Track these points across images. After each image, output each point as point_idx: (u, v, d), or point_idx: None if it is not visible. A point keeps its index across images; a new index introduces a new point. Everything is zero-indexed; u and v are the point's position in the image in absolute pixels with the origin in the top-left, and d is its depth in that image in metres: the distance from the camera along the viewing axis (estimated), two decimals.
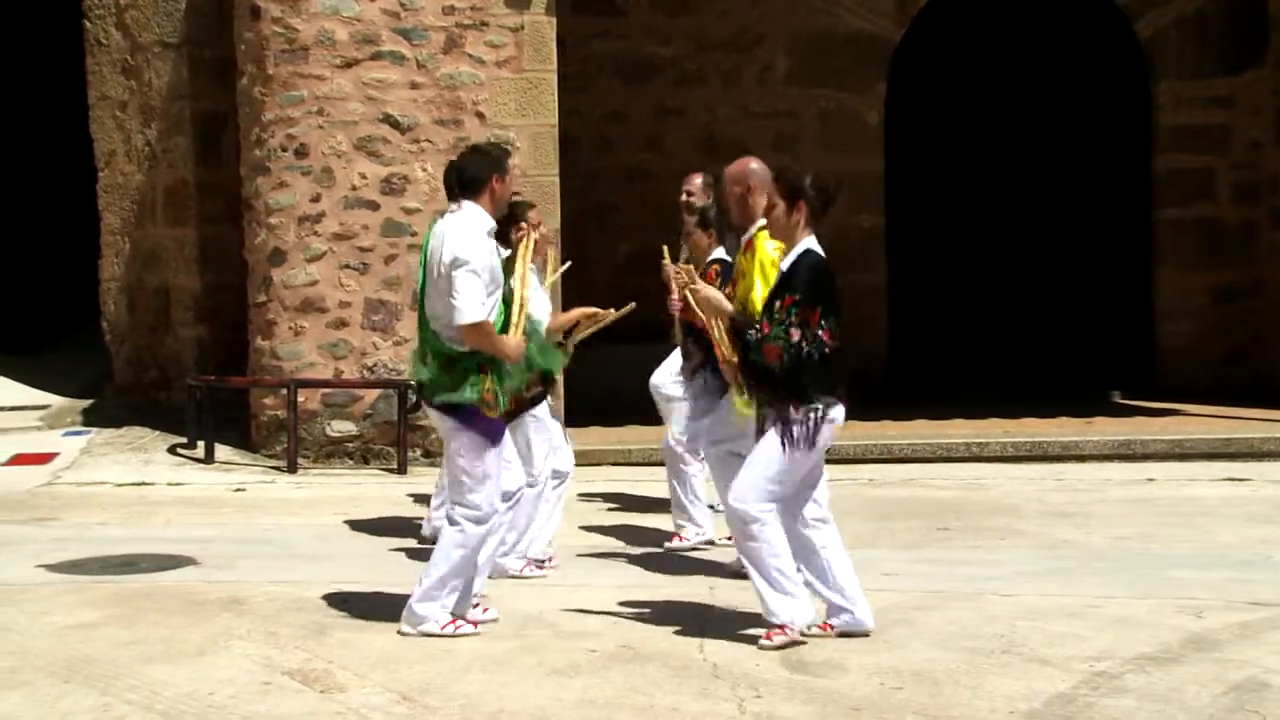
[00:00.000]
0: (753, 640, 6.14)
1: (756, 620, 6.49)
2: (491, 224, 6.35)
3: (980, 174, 14.94)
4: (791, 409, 5.99)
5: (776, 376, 5.96)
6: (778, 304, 6.03)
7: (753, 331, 6.04)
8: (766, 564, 6.05)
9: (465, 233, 6.21)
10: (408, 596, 6.89)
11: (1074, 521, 8.91)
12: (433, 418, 6.43)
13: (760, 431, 6.20)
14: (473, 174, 6.33)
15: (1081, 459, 11.15)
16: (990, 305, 14.89)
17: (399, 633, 6.28)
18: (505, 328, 6.31)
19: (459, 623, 6.32)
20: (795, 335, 5.93)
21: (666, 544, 8.24)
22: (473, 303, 6.11)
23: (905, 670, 5.76)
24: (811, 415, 5.99)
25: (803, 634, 6.09)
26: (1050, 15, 14.69)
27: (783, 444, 6.00)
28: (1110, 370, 14.31)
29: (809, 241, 6.10)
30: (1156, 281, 14.43)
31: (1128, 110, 14.57)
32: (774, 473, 6.04)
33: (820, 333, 5.95)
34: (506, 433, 6.49)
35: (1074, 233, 14.95)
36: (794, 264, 6.09)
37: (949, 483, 10.40)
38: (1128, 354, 14.48)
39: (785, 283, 6.09)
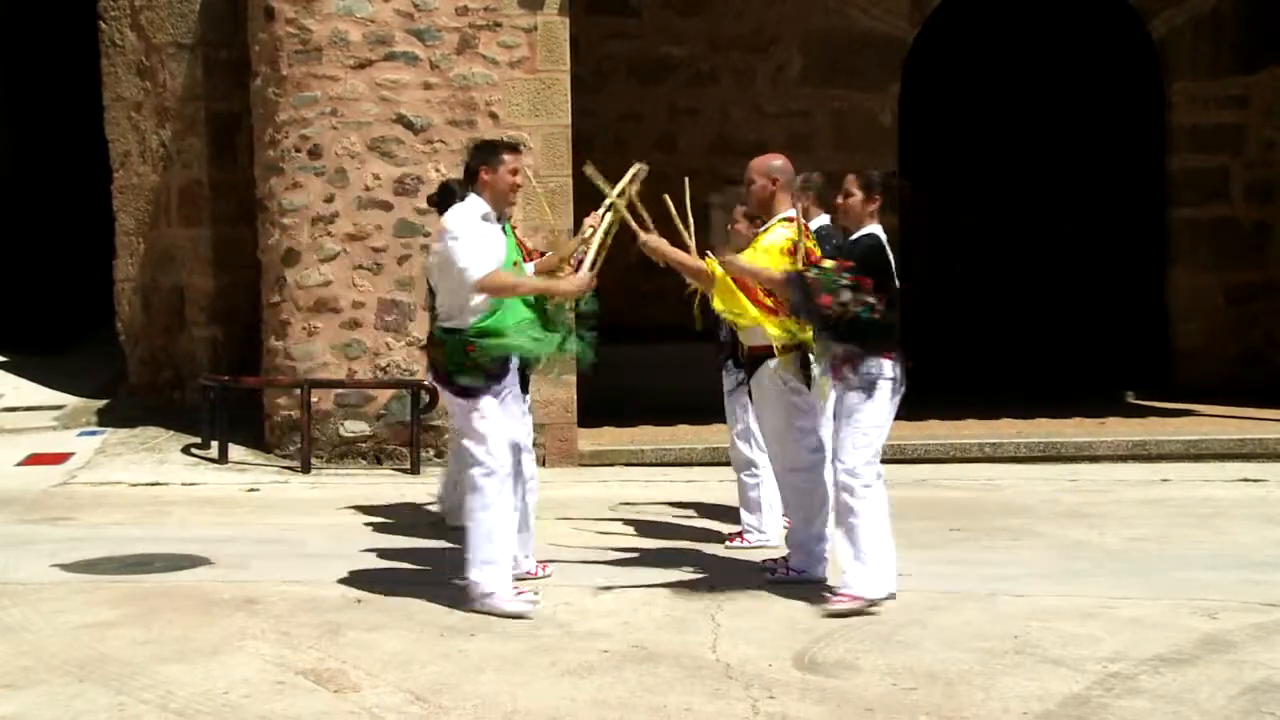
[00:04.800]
0: (765, 640, 6.15)
1: (769, 620, 6.50)
2: (485, 209, 6.71)
3: (994, 174, 14.93)
4: (848, 367, 6.66)
5: (830, 325, 6.61)
6: (829, 263, 6.72)
7: (804, 285, 6.64)
8: (856, 531, 6.63)
9: (453, 219, 6.68)
10: (421, 596, 6.93)
11: (1088, 522, 8.90)
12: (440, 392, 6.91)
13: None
14: (467, 166, 6.87)
15: (1096, 460, 11.13)
16: (1003, 305, 14.87)
17: (469, 609, 6.53)
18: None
19: (522, 590, 6.66)
20: (845, 295, 6.56)
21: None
22: (474, 264, 6.51)
23: (918, 670, 5.76)
24: (880, 376, 6.66)
25: (871, 605, 6.56)
26: (1064, 15, 14.67)
27: (852, 398, 6.68)
28: (1124, 370, 14.28)
29: (874, 227, 6.84)
30: (1170, 281, 14.40)
31: (1142, 110, 14.55)
32: (863, 436, 6.66)
33: (870, 299, 6.58)
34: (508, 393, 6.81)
35: (1088, 233, 14.93)
36: (855, 240, 6.82)
37: (963, 483, 10.39)
38: (1142, 354, 14.45)
39: (841, 252, 6.83)
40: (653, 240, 6.93)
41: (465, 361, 6.59)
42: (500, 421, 6.70)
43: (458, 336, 6.61)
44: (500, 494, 6.65)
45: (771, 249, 6.94)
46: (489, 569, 6.59)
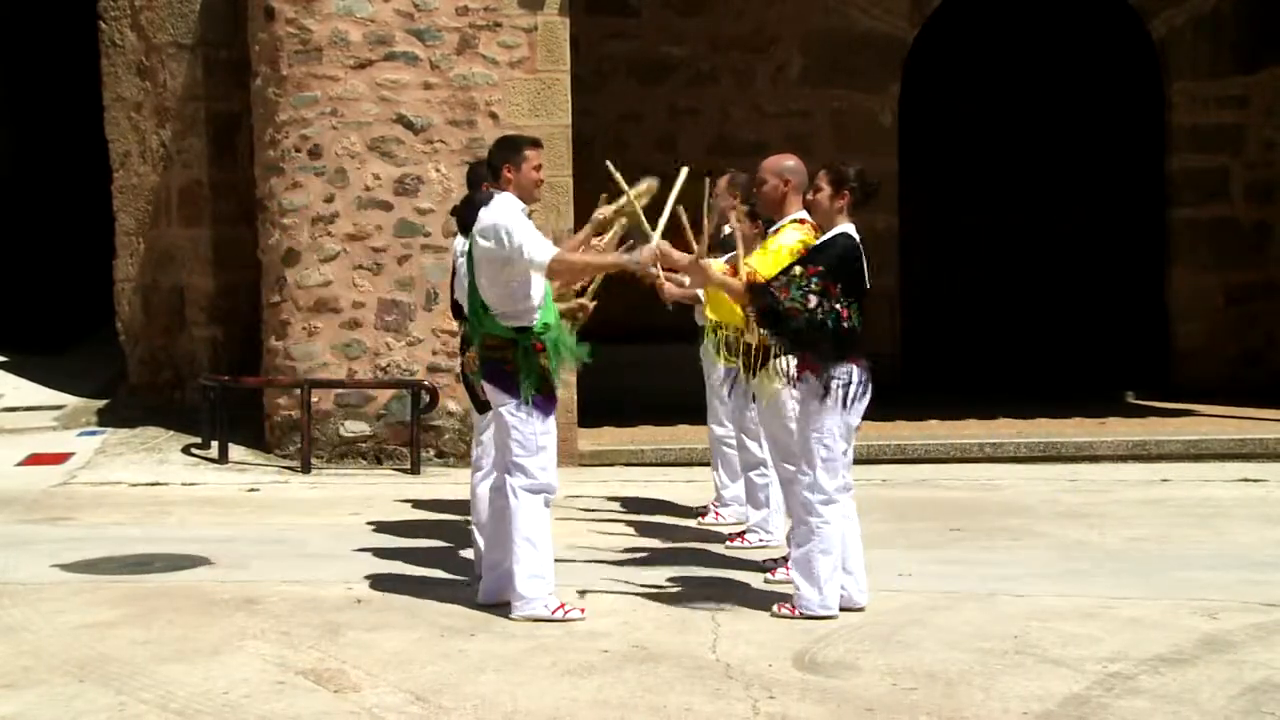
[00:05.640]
0: (765, 641, 6.16)
1: (769, 621, 6.50)
2: (522, 204, 6.66)
3: (993, 174, 14.93)
4: (810, 373, 6.45)
5: (795, 337, 6.39)
6: (798, 270, 6.43)
7: (775, 302, 6.39)
8: (813, 552, 6.48)
9: (498, 209, 6.58)
10: (421, 596, 6.93)
11: (1088, 522, 8.90)
12: (489, 392, 6.68)
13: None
14: (490, 165, 6.79)
15: (1096, 460, 11.12)
16: (1003, 305, 14.87)
17: (510, 618, 6.48)
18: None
19: (567, 606, 6.56)
20: (812, 301, 6.36)
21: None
22: (539, 247, 6.45)
23: (919, 670, 5.76)
24: (839, 385, 6.43)
25: (812, 617, 6.48)
26: (1064, 15, 14.67)
27: (812, 405, 6.47)
28: (1124, 371, 14.28)
29: (846, 226, 6.56)
30: (1170, 281, 14.40)
31: (1141, 110, 14.54)
32: (825, 449, 6.47)
33: (838, 306, 6.37)
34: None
35: (1088, 233, 14.93)
36: (826, 241, 6.55)
37: (963, 483, 10.39)
38: (1142, 354, 14.45)
39: (813, 255, 6.53)
40: (702, 265, 6.77)
41: (537, 365, 6.53)
42: (555, 437, 6.68)
43: (528, 335, 6.54)
44: (547, 508, 6.63)
45: (781, 251, 6.84)
46: (538, 582, 6.53)
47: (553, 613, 6.50)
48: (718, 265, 7.07)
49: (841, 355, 6.45)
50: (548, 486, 6.61)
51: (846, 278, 6.44)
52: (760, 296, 6.46)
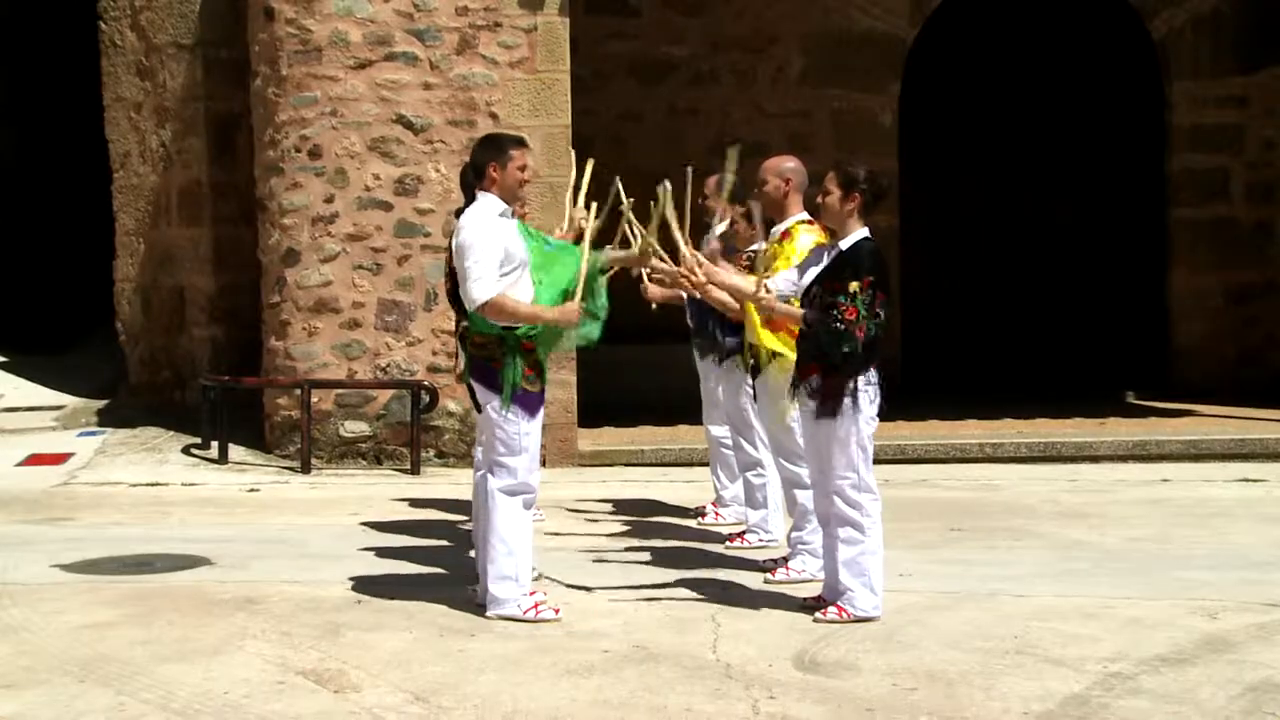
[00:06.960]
0: (765, 641, 6.15)
1: (769, 621, 6.50)
2: (501, 207, 6.56)
3: (994, 174, 14.93)
4: (853, 382, 6.38)
5: (855, 354, 6.32)
6: (853, 286, 6.34)
7: (838, 323, 6.33)
8: (864, 552, 6.43)
9: (471, 220, 6.51)
10: (421, 596, 6.93)
11: (1088, 522, 8.90)
12: (476, 390, 6.64)
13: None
14: (475, 163, 6.71)
15: (1096, 459, 11.13)
16: (1003, 305, 14.87)
17: (485, 615, 6.49)
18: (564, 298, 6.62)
19: (540, 607, 6.53)
20: (881, 316, 6.37)
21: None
22: (482, 283, 6.36)
23: (919, 671, 5.76)
24: (869, 386, 6.39)
25: (859, 622, 6.40)
26: (1065, 15, 14.68)
27: (852, 418, 6.38)
28: (1124, 370, 14.29)
29: (864, 230, 6.49)
30: (1170, 281, 14.40)
31: (1142, 110, 14.55)
32: (862, 451, 6.43)
33: (881, 312, 6.38)
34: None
35: (1088, 233, 14.93)
36: (854, 248, 6.45)
37: (963, 483, 10.39)
38: (1142, 354, 14.45)
39: (849, 265, 6.41)
40: (710, 276, 6.75)
41: (525, 364, 6.48)
42: (539, 438, 6.65)
43: (514, 333, 6.47)
44: (527, 510, 6.62)
45: (804, 257, 6.83)
46: (509, 584, 6.51)
47: (524, 613, 6.49)
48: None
49: (871, 363, 6.42)
50: (527, 488, 6.57)
51: (886, 284, 6.40)
52: (822, 323, 6.36)
